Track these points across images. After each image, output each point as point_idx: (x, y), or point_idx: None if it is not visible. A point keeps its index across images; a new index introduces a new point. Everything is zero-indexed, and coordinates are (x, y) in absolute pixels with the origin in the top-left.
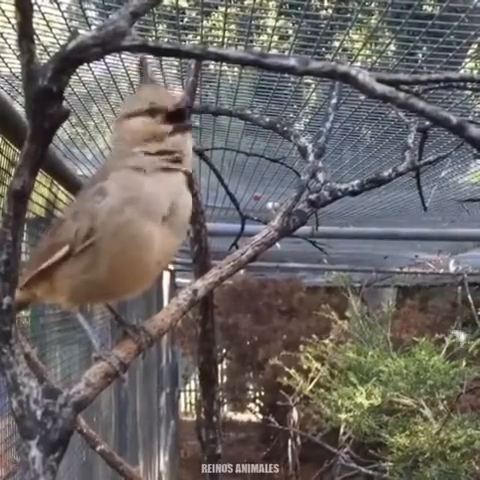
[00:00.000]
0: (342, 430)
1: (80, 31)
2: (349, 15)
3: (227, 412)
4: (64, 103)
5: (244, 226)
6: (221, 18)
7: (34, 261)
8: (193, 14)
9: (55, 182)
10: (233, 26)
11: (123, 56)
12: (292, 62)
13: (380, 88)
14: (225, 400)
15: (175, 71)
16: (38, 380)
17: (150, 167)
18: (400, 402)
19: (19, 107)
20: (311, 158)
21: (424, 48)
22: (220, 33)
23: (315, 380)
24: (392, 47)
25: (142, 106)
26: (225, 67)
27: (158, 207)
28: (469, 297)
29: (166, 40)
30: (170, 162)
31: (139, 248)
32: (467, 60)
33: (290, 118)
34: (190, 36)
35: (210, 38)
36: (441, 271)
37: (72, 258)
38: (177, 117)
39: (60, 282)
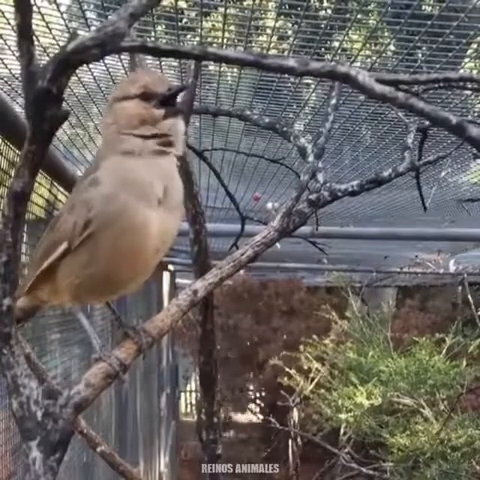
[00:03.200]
0: (342, 430)
1: (79, 32)
2: (348, 15)
3: (227, 412)
4: (64, 104)
5: (244, 226)
6: (220, 19)
7: (35, 264)
8: (192, 15)
9: (55, 183)
10: (232, 27)
11: (122, 57)
12: (291, 63)
13: (379, 88)
14: (225, 400)
15: (174, 72)
16: (38, 381)
17: (141, 150)
18: (400, 402)
19: (19, 108)
20: (311, 158)
21: (424, 48)
22: (219, 34)
23: (315, 380)
24: (391, 47)
25: (135, 90)
26: (225, 68)
27: (152, 190)
28: (469, 297)
29: (165, 41)
30: (162, 145)
31: (137, 233)
32: (466, 60)
33: (290, 119)
34: (189, 37)
35: (209, 39)
36: (441, 271)
37: (71, 254)
38: (170, 101)
39: (62, 281)
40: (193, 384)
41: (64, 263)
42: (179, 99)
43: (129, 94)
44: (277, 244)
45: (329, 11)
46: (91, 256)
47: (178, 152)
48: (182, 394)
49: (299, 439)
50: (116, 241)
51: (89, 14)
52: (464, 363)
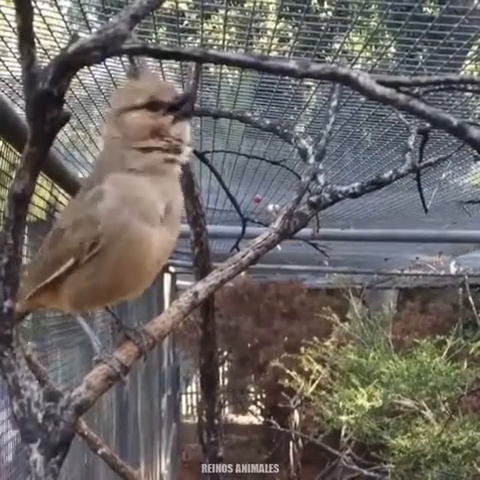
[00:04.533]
0: (343, 432)
1: (80, 34)
2: (349, 17)
3: (228, 414)
4: (64, 106)
5: (245, 228)
6: (221, 21)
7: (38, 273)
8: (193, 17)
9: (56, 185)
10: (233, 29)
11: (123, 59)
12: (292, 65)
13: (380, 90)
14: (226, 402)
15: (175, 74)
16: (39, 383)
17: (146, 167)
18: (401, 404)
19: (20, 110)
20: (312, 160)
21: (424, 50)
22: (220, 36)
23: (316, 382)
24: (392, 49)
25: (142, 100)
26: (225, 70)
27: (155, 209)
28: (470, 299)
29: (166, 43)
30: (170, 153)
31: (140, 249)
32: (467, 62)
33: (290, 120)
34: (190, 39)
35: (210, 41)
36: (442, 273)
37: (79, 267)
38: (176, 107)
39: (67, 291)
40: (194, 386)
41: (70, 277)
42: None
43: (136, 104)
44: (278, 246)
45: (330, 13)
46: (96, 269)
47: (185, 158)
48: (183, 396)
49: (300, 441)
50: (121, 254)
51: (90, 16)
52: (465, 365)
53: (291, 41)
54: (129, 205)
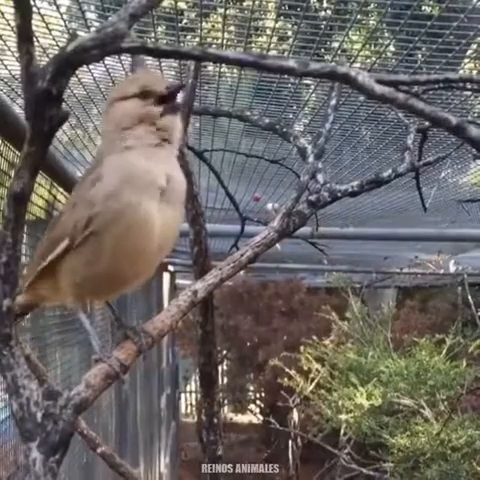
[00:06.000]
0: (343, 431)
1: (79, 33)
2: (348, 16)
3: (227, 413)
4: (63, 105)
5: (244, 227)
6: (220, 19)
7: (36, 261)
8: (192, 15)
9: (55, 184)
10: (232, 27)
11: (122, 58)
12: (291, 63)
13: (379, 89)
14: (226, 401)
15: (174, 73)
16: (38, 382)
17: (141, 144)
18: (401, 403)
19: (18, 109)
20: (311, 159)
21: (423, 49)
22: (219, 34)
23: (315, 381)
24: (391, 48)
25: (134, 89)
26: (224, 68)
27: (155, 179)
28: (469, 297)
29: (165, 42)
30: (160, 140)
31: (140, 231)
32: (466, 61)
33: (289, 119)
34: (189, 37)
35: (209, 39)
36: (441, 272)
37: (73, 251)
38: (168, 99)
39: (64, 279)
40: (193, 385)
41: (66, 261)
42: (179, 99)
43: (128, 93)
44: (277, 245)
45: (329, 12)
46: (93, 254)
47: (174, 149)
48: (182, 395)
49: (299, 440)
50: (119, 239)
51: (89, 15)
52: (464, 364)
53: (290, 40)
54: (127, 182)
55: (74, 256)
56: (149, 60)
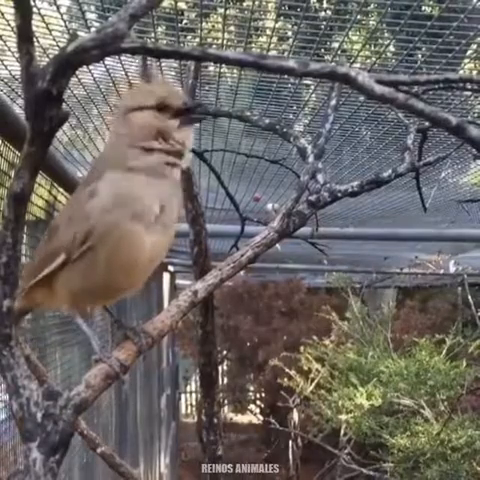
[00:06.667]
0: (343, 431)
1: (79, 33)
2: (348, 16)
3: (227, 413)
4: (63, 105)
5: (244, 227)
6: (220, 20)
7: (33, 269)
8: (192, 16)
9: (55, 184)
10: (232, 28)
11: (122, 58)
12: (291, 64)
13: (379, 89)
14: (226, 401)
15: (174, 73)
16: (38, 382)
17: (146, 168)
18: (400, 403)
19: (19, 109)
20: (311, 159)
21: (423, 49)
22: (219, 35)
23: (315, 381)
24: (391, 48)
25: (152, 101)
26: (225, 69)
27: (149, 210)
28: (469, 298)
29: (165, 42)
30: (172, 156)
31: (130, 248)
32: (466, 61)
33: (290, 120)
34: (189, 38)
35: (209, 40)
36: (441, 272)
37: (70, 264)
38: (184, 113)
39: (60, 289)
40: (193, 385)
41: (62, 273)
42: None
43: (145, 105)
44: (277, 245)
45: (329, 12)
46: (89, 267)
47: (185, 164)
48: (182, 395)
49: (299, 440)
50: (112, 253)
51: (89, 15)
52: (464, 364)
53: (290, 40)
54: (122, 205)
55: (70, 268)
56: (149, 60)
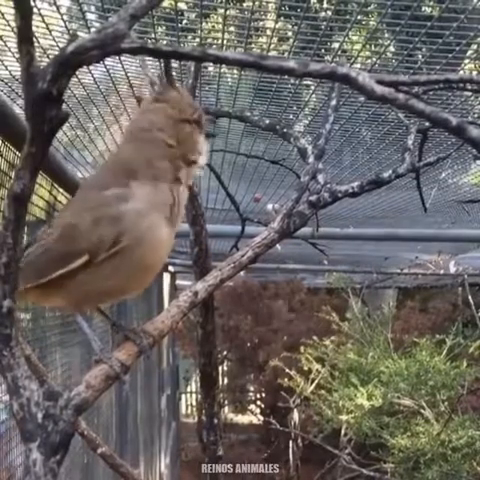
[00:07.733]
0: (343, 431)
1: (79, 34)
2: (348, 16)
3: (228, 414)
4: (64, 106)
5: (244, 228)
6: (220, 20)
7: (36, 268)
8: (192, 16)
9: (55, 185)
10: (232, 28)
11: (123, 58)
12: (292, 64)
13: (380, 89)
14: (226, 402)
15: (174, 73)
16: (39, 383)
17: (171, 175)
18: (401, 403)
19: (19, 110)
20: (311, 160)
21: (424, 49)
22: (219, 35)
23: (316, 381)
24: (391, 48)
25: (195, 116)
26: (225, 69)
27: (170, 212)
28: (470, 298)
29: (165, 42)
30: (189, 165)
31: (157, 250)
32: (467, 61)
33: (290, 120)
34: (189, 38)
35: (209, 40)
36: (441, 272)
37: (94, 266)
38: (203, 126)
39: (75, 289)
40: (193, 385)
41: (82, 274)
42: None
43: (190, 118)
44: (277, 245)
45: (329, 12)
46: (116, 268)
47: (200, 170)
48: (182, 395)
49: (299, 440)
50: (144, 255)
51: (89, 15)
52: (464, 364)
53: (290, 40)
54: (155, 210)
55: (94, 270)
56: (149, 61)
